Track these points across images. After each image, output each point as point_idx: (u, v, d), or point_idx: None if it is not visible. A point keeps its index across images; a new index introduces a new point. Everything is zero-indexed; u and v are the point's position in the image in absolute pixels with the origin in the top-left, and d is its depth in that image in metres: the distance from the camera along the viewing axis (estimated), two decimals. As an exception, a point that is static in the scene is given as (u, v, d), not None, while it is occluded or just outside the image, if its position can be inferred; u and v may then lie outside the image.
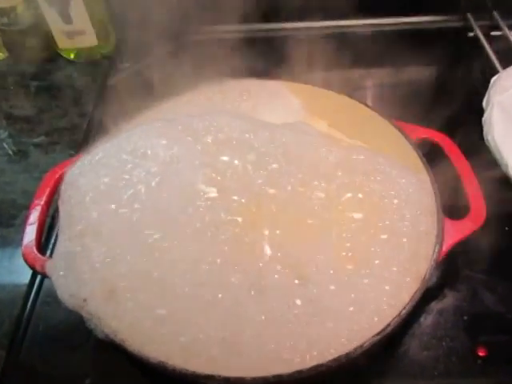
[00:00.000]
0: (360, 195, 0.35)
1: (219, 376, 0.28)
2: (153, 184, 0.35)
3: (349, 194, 0.35)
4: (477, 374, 0.34)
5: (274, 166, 0.36)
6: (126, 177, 0.36)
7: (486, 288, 0.39)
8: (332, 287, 0.31)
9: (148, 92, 0.51)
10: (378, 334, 0.30)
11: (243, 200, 0.34)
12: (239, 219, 0.33)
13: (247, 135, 0.37)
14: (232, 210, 0.34)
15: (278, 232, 0.33)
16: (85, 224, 0.35)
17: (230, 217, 0.33)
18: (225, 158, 0.36)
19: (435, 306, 0.38)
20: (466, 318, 0.37)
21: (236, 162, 0.36)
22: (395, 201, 0.35)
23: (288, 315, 0.30)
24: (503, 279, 0.39)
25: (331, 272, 0.31)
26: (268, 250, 0.32)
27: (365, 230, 0.34)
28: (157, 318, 0.30)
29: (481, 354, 0.35)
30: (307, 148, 0.37)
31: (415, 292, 0.32)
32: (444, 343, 0.36)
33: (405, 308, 0.31)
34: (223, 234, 0.33)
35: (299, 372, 0.28)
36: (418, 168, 0.38)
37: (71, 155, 0.46)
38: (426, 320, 0.37)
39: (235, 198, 0.34)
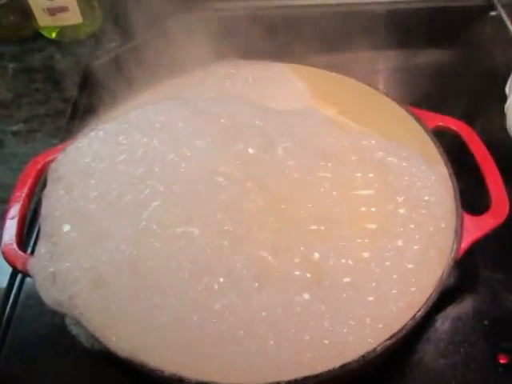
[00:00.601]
0: (370, 191, 0.35)
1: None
2: (156, 169, 0.36)
3: (359, 182, 0.35)
4: (498, 382, 0.35)
5: (282, 151, 0.37)
6: (121, 168, 0.36)
7: (508, 290, 0.39)
8: (346, 280, 0.31)
9: (137, 75, 0.51)
10: (390, 337, 0.30)
11: (249, 184, 0.35)
12: (245, 205, 0.34)
13: (257, 121, 0.38)
14: (240, 195, 0.35)
15: (284, 218, 0.34)
16: (70, 218, 0.35)
17: (236, 202, 0.34)
18: (235, 143, 0.37)
19: (453, 309, 0.38)
20: (486, 322, 0.38)
21: (245, 146, 0.37)
22: (409, 194, 0.36)
23: (293, 313, 0.30)
24: (527, 281, 0.40)
25: (343, 266, 0.32)
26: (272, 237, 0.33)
27: (376, 226, 0.34)
28: (150, 318, 0.31)
29: (502, 361, 0.36)
30: (316, 134, 0.37)
31: (431, 293, 0.32)
32: (462, 349, 0.36)
33: (420, 310, 0.31)
34: (227, 222, 0.34)
35: (305, 379, 0.29)
36: (434, 159, 0.39)
37: (53, 144, 0.47)
38: (443, 324, 0.38)
39: (245, 183, 0.35)
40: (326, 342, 0.30)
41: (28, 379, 0.36)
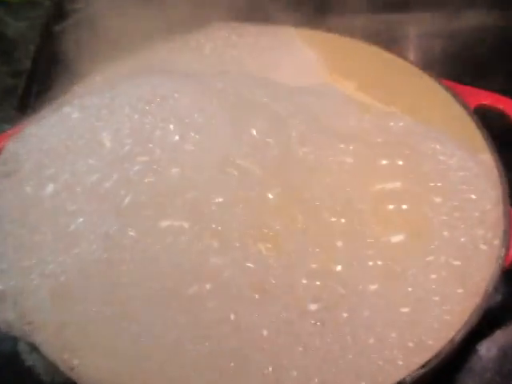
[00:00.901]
0: (398, 183, 0.36)
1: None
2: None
3: (385, 171, 0.37)
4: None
5: (295, 133, 0.38)
6: (106, 144, 0.38)
7: None
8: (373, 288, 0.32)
9: (106, 43, 0.51)
10: (422, 366, 0.30)
11: (258, 171, 0.36)
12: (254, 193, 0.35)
13: (267, 100, 0.39)
14: (249, 183, 0.36)
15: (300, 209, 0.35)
16: (24, 215, 0.35)
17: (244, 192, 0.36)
18: (246, 125, 0.39)
19: (501, 333, 0.38)
20: (543, 348, 0.38)
21: (256, 130, 0.38)
22: (444, 186, 0.36)
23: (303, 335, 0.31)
24: None
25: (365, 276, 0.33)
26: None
27: (403, 224, 0.35)
28: (122, 339, 0.31)
29: None
30: (333, 115, 0.38)
31: (473, 311, 0.31)
32: (513, 382, 0.37)
33: (459, 332, 0.31)
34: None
35: None
36: (476, 145, 0.39)
37: (3, 128, 0.47)
38: (490, 351, 0.38)
39: (255, 170, 0.37)
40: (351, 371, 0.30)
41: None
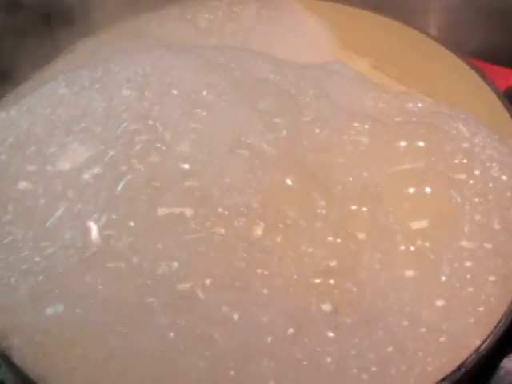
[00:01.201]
0: (420, 165, 0.36)
1: None
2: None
3: (405, 152, 0.37)
4: None
5: (306, 110, 0.38)
6: (101, 121, 0.38)
7: None
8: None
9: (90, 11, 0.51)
10: (444, 379, 0.30)
11: (268, 152, 0.37)
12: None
13: (276, 76, 0.40)
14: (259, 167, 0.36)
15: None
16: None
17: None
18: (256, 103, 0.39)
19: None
20: None
21: (267, 109, 0.39)
22: (470, 165, 0.37)
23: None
24: None
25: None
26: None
27: (424, 210, 0.35)
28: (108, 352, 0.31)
29: None
30: (346, 95, 0.39)
31: (504, 314, 0.32)
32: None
33: (487, 340, 0.31)
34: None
35: None
36: (507, 130, 0.39)
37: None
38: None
39: (266, 151, 0.37)
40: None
41: None
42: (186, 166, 0.36)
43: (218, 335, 0.31)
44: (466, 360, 0.30)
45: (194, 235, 0.34)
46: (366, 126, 0.36)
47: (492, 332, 0.31)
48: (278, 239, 0.34)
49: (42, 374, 0.31)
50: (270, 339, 0.31)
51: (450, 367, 0.30)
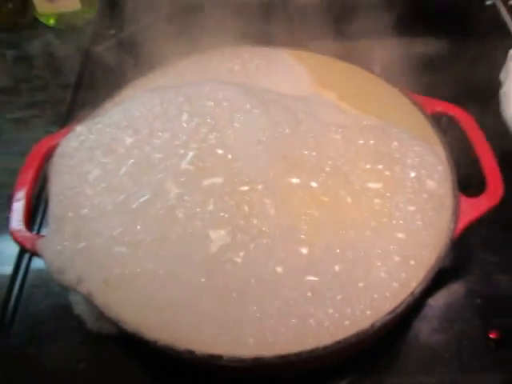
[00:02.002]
0: (380, 166, 0.37)
1: (239, 358, 0.29)
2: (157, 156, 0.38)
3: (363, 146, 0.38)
4: (489, 357, 0.37)
5: (303, 121, 0.40)
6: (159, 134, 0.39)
7: (501, 270, 0.41)
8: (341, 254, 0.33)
9: (136, 61, 0.52)
10: (390, 312, 0.31)
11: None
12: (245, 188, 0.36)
13: (283, 101, 0.41)
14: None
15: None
16: (77, 199, 0.36)
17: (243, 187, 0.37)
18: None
19: (447, 288, 0.41)
20: (478, 300, 0.40)
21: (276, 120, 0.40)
22: (411, 173, 0.37)
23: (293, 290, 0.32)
24: (520, 261, 0.42)
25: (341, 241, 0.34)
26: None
27: (379, 199, 0.36)
28: (162, 296, 0.32)
29: (493, 336, 0.38)
30: (325, 114, 0.40)
31: (429, 270, 0.33)
32: (456, 326, 0.39)
33: (418, 286, 0.32)
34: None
35: (314, 351, 0.30)
36: (433, 142, 0.40)
37: (52, 131, 0.47)
38: (438, 303, 0.40)
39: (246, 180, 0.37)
40: (326, 319, 0.31)
41: (36, 356, 0.38)
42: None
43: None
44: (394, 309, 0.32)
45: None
46: (340, 130, 0.40)
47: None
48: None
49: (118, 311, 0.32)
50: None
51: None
